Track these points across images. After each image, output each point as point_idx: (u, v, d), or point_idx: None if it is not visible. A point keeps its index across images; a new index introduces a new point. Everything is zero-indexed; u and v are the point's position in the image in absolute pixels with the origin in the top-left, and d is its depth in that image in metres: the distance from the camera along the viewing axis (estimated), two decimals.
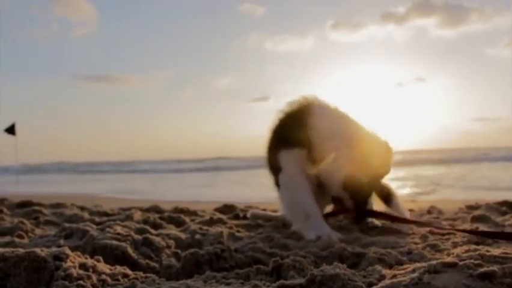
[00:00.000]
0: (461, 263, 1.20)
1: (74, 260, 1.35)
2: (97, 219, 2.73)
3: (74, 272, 1.28)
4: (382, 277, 1.26)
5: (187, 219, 2.69)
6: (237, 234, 2.13)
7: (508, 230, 2.12)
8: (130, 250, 1.70)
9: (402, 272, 1.23)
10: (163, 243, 1.87)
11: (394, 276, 1.22)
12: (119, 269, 1.44)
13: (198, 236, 2.07)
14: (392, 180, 8.97)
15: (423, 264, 1.24)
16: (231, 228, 2.33)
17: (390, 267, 1.43)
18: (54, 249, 1.39)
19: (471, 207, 3.13)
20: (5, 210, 3.16)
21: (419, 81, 75.07)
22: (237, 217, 2.93)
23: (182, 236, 2.03)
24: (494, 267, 1.13)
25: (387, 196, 2.40)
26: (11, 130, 12.58)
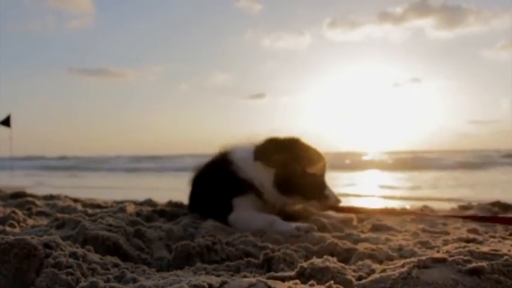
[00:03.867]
0: (450, 258, 1.20)
1: (64, 249, 1.35)
2: (90, 211, 2.72)
3: (64, 260, 1.27)
4: (372, 271, 1.27)
5: (180, 213, 2.68)
6: (229, 228, 2.13)
7: (498, 229, 2.14)
8: (121, 241, 1.70)
9: (392, 266, 1.24)
10: (155, 235, 1.87)
11: (384, 270, 1.22)
12: (109, 258, 1.45)
13: (190, 229, 2.07)
14: (386, 181, 9.00)
15: (413, 259, 1.25)
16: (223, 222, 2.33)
17: (381, 262, 1.44)
18: (44, 237, 1.39)
19: (464, 208, 3.14)
20: None
21: (414, 82, 75.36)
22: None
23: (175, 228, 2.03)
24: (483, 263, 1.14)
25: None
26: (6, 122, 12.52)
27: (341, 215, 2.42)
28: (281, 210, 2.35)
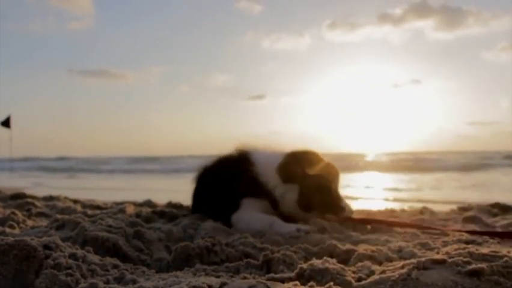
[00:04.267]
0: (449, 260, 1.20)
1: (64, 250, 1.35)
2: (90, 212, 2.72)
3: (64, 261, 1.27)
4: (371, 273, 1.27)
5: (179, 214, 2.68)
6: (229, 229, 2.13)
7: (499, 230, 2.14)
8: (121, 242, 1.69)
9: (392, 268, 1.24)
10: (154, 236, 1.87)
11: (383, 272, 1.22)
12: (109, 259, 1.44)
13: (189, 230, 2.07)
14: (386, 182, 8.99)
15: (413, 260, 1.25)
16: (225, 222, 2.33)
17: (380, 264, 1.44)
18: (44, 238, 1.38)
19: (463, 209, 3.14)
20: None
21: (414, 83, 75.46)
22: None
23: (174, 230, 2.03)
24: (483, 265, 1.14)
25: None
26: (6, 123, 12.53)
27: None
28: (299, 222, 2.32)
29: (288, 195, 2.29)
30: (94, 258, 1.41)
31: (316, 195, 2.29)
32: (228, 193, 2.35)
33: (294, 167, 2.30)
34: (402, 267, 1.20)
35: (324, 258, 1.29)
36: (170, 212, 2.67)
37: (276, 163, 2.32)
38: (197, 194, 2.65)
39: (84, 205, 3.29)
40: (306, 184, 2.28)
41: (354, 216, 2.44)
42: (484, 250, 1.30)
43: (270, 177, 2.30)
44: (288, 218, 2.26)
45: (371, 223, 2.41)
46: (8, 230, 1.99)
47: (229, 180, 2.39)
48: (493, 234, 2.03)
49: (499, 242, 1.77)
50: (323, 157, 2.40)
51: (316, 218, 2.30)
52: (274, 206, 2.31)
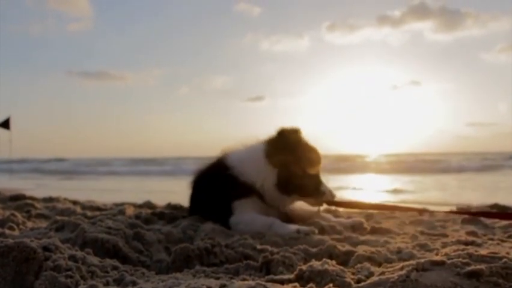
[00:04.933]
0: (449, 261, 1.20)
1: (63, 252, 1.35)
2: (89, 213, 2.72)
3: (63, 263, 1.27)
4: (371, 274, 1.27)
5: (179, 215, 2.68)
6: (229, 230, 2.13)
7: (497, 232, 2.14)
8: (120, 244, 1.70)
9: (391, 269, 1.24)
10: (154, 237, 1.87)
11: (382, 273, 1.22)
12: (109, 261, 1.45)
13: (189, 232, 2.07)
14: (384, 183, 9.00)
15: (412, 262, 1.25)
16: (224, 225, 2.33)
17: (380, 265, 1.44)
18: (44, 240, 1.39)
19: (463, 210, 3.14)
20: None
21: (414, 85, 75.51)
22: None
23: (174, 231, 2.03)
24: (482, 266, 1.14)
25: None
26: (5, 124, 12.52)
27: (350, 220, 2.40)
28: (282, 210, 2.35)
29: (267, 181, 2.31)
30: (94, 259, 1.41)
31: (295, 177, 2.30)
32: (218, 199, 2.38)
33: (277, 150, 2.32)
34: (402, 268, 1.21)
35: (324, 259, 1.29)
36: (170, 214, 2.67)
37: (249, 157, 2.38)
38: (192, 199, 2.68)
39: (84, 206, 3.29)
40: (284, 167, 2.30)
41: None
42: (483, 251, 1.30)
43: (248, 172, 2.34)
44: (289, 220, 2.26)
45: (353, 207, 2.42)
46: (7, 231, 1.98)
47: (216, 186, 2.43)
48: (481, 215, 2.05)
49: (498, 243, 1.78)
50: (308, 142, 2.41)
51: (296, 201, 2.34)
52: (263, 200, 2.33)
